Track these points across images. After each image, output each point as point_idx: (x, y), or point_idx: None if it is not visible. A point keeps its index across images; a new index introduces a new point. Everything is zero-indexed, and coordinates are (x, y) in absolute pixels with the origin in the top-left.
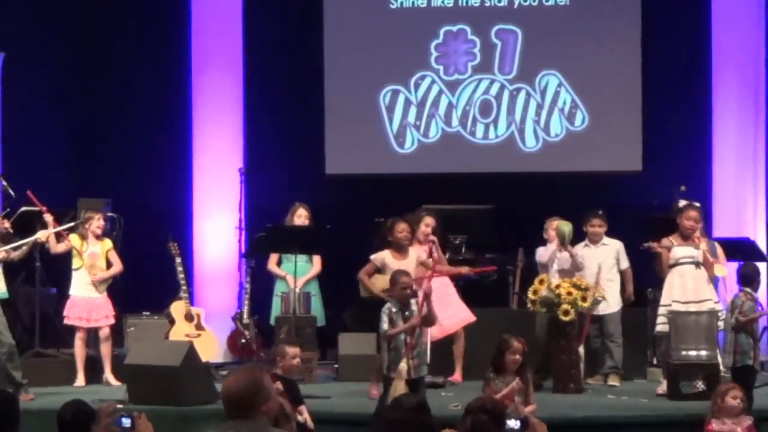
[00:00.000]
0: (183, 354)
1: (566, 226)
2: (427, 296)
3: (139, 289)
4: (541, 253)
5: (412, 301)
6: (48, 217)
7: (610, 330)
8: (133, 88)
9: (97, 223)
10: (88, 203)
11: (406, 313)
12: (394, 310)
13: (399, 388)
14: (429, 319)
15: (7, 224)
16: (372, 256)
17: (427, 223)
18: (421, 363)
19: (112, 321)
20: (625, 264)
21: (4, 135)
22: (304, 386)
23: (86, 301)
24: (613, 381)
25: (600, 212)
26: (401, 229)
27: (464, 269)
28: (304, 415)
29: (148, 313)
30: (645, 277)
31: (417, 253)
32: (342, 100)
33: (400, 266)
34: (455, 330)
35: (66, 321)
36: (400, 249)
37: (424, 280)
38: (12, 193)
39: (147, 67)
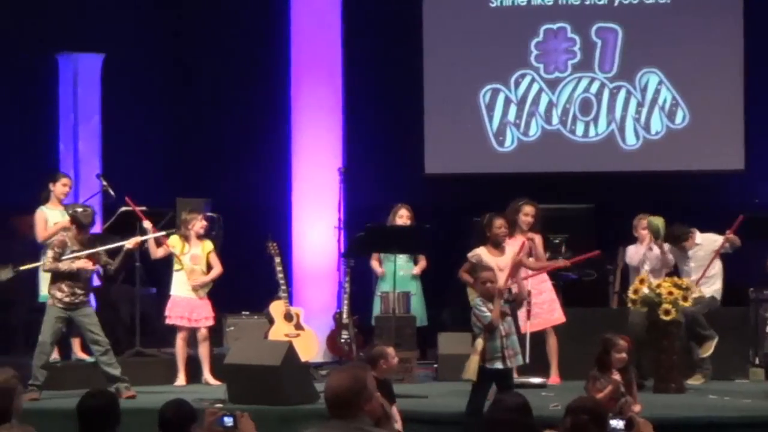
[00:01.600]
0: (282, 354)
1: (658, 220)
2: (515, 270)
3: (238, 289)
4: (631, 255)
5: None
6: (147, 224)
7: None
8: (232, 88)
9: (199, 223)
10: (187, 203)
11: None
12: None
13: (473, 362)
14: (518, 299)
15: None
16: (469, 254)
17: (526, 212)
18: (515, 353)
19: (211, 322)
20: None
21: (104, 135)
22: (402, 386)
23: (187, 301)
24: (696, 380)
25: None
26: (499, 225)
27: (560, 262)
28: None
29: (247, 312)
30: (747, 276)
31: (514, 250)
32: (441, 99)
33: (496, 263)
34: (542, 328)
35: (167, 321)
36: (497, 245)
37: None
38: (112, 192)
39: (246, 66)
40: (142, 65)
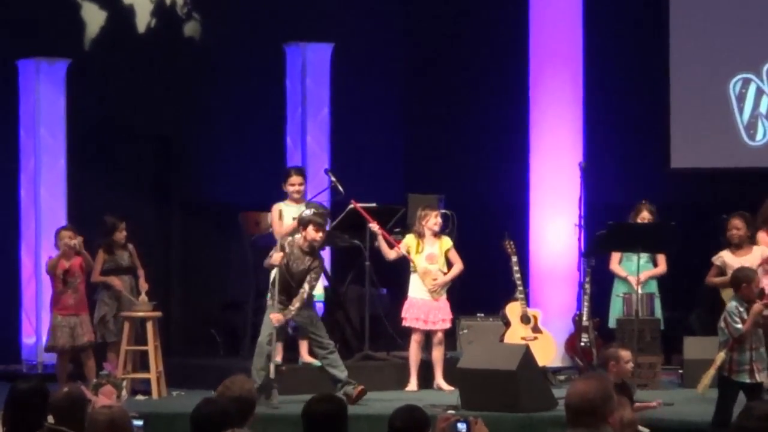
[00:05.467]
0: (519, 358)
1: None
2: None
3: (473, 290)
4: None
5: None
6: (374, 227)
7: None
8: (468, 79)
9: (434, 220)
10: (420, 200)
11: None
12: (741, 309)
13: (707, 376)
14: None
15: (75, 240)
16: (713, 258)
17: None
18: (762, 368)
19: (448, 325)
20: None
21: (333, 128)
22: (646, 392)
23: (424, 302)
24: None
25: None
26: (731, 226)
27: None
28: None
29: (482, 314)
30: None
31: (761, 250)
32: (689, 91)
33: (741, 263)
34: None
35: (404, 323)
36: (738, 246)
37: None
38: (341, 189)
39: (484, 61)
40: (373, 55)
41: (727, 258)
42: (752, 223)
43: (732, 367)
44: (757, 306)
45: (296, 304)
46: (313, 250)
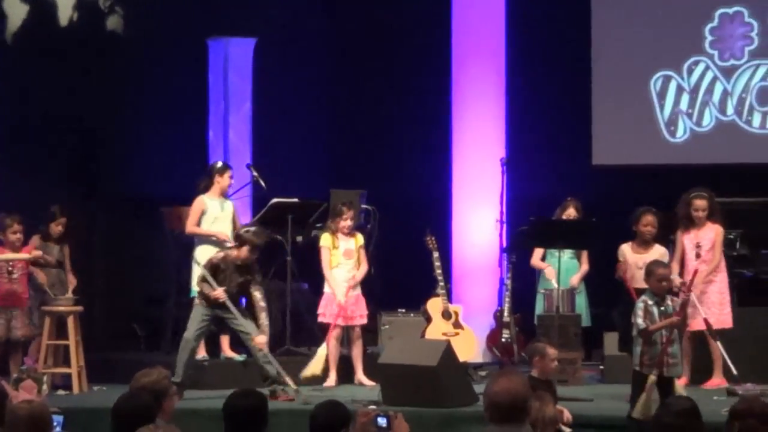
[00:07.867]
0: (440, 353)
1: None
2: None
3: (394, 285)
4: None
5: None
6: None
7: None
8: (390, 74)
9: (344, 222)
10: (342, 195)
11: (662, 307)
12: (650, 302)
13: (650, 381)
14: (681, 323)
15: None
16: (618, 253)
17: (696, 207)
18: (675, 362)
19: (365, 321)
20: None
21: (255, 123)
22: (567, 388)
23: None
24: None
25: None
26: (646, 222)
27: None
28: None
29: (403, 310)
30: None
31: (661, 252)
32: (610, 87)
33: (635, 261)
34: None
35: (320, 318)
36: (643, 243)
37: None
38: (263, 184)
39: (407, 55)
40: (296, 50)
41: (627, 253)
42: (661, 221)
43: (643, 360)
44: (675, 319)
45: (263, 319)
46: (246, 265)
